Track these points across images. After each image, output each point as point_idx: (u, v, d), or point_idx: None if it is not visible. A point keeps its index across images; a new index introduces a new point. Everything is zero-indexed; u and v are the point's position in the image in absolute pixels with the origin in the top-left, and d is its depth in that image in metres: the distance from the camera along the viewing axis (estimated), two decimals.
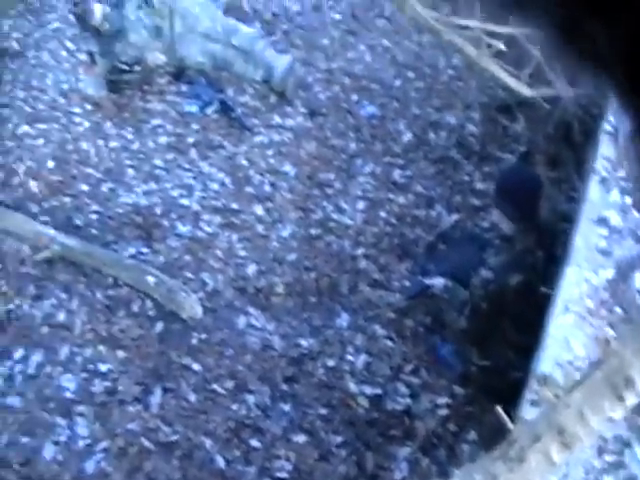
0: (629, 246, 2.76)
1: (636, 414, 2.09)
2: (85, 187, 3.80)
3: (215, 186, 3.76)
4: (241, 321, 3.17)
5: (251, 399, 2.91)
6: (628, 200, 3.04)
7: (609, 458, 2.01)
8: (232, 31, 4.45)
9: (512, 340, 2.83)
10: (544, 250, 2.84)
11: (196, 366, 3.03)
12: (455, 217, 3.50)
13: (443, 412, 2.80)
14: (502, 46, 3.69)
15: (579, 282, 2.53)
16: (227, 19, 4.64)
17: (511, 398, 2.21)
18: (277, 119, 4.11)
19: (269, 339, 3.08)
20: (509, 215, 2.83)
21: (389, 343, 3.03)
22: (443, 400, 2.84)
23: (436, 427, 2.76)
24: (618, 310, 2.49)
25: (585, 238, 2.79)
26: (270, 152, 3.92)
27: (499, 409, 1.61)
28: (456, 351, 2.96)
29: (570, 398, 1.47)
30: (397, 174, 3.73)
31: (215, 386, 2.96)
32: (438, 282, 2.98)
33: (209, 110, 4.21)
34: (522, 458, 1.51)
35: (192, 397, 2.93)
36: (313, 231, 3.48)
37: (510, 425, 1.59)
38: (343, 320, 3.13)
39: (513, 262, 2.84)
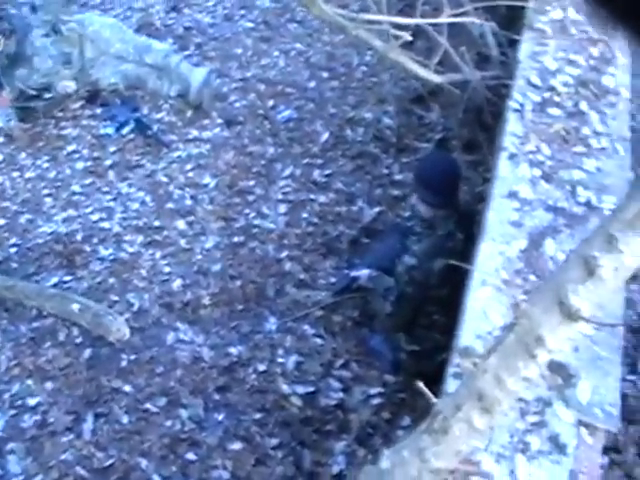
0: (539, 216, 2.90)
1: (555, 373, 2.22)
2: (2, 221, 3.83)
3: (135, 206, 3.83)
4: (170, 337, 3.23)
5: (185, 413, 2.97)
6: (536, 172, 3.20)
7: (531, 419, 2.11)
8: (145, 49, 4.54)
9: (438, 322, 2.94)
10: (464, 231, 2.97)
11: (127, 387, 3.08)
12: (376, 210, 3.62)
13: (376, 401, 2.89)
14: (409, 37, 3.84)
15: (494, 255, 2.66)
16: (139, 37, 4.73)
17: (440, 378, 2.31)
18: (194, 132, 4.20)
19: (199, 351, 3.15)
20: (430, 201, 2.94)
21: (319, 341, 3.12)
22: (375, 390, 2.93)
23: (370, 417, 2.85)
24: (532, 278, 2.62)
25: (498, 213, 2.92)
26: (189, 166, 4.00)
27: (421, 385, 1.63)
28: (385, 340, 3.06)
29: (486, 364, 1.54)
30: (317, 174, 3.84)
31: (148, 405, 3.01)
32: (363, 274, 3.09)
33: (125, 130, 4.28)
34: (446, 429, 1.58)
35: (125, 419, 2.98)
36: (236, 239, 3.57)
37: (434, 399, 1.64)
38: (271, 324, 3.21)
39: (435, 246, 2.96)
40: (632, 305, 3.26)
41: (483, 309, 2.51)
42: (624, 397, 2.91)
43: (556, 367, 2.23)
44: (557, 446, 2.04)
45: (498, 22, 4.21)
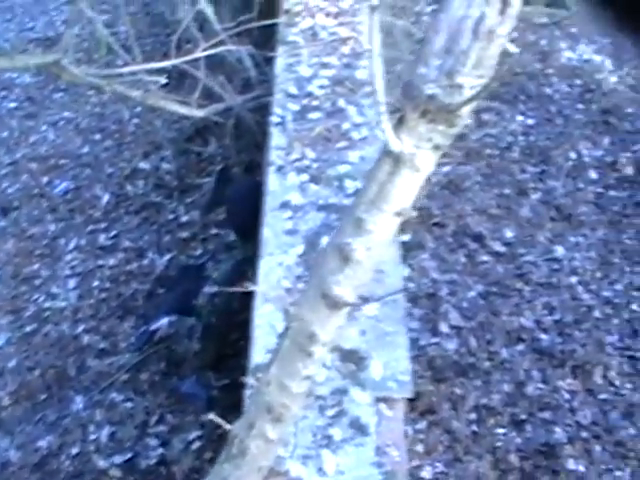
0: (312, 218, 3.10)
1: (347, 361, 2.37)
2: None
3: None
4: None
5: None
6: (304, 177, 3.42)
7: (331, 412, 2.25)
8: None
9: (245, 347, 3.07)
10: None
11: None
12: (168, 257, 3.74)
13: (196, 445, 2.98)
14: (164, 79, 4.02)
15: (273, 268, 2.81)
16: None
17: None
18: None
19: (6, 455, 3.13)
20: (232, 226, 3.08)
21: (129, 405, 3.18)
22: (194, 434, 3.02)
23: (193, 463, 2.92)
24: None
25: (272, 226, 3.10)
26: None
27: (213, 416, 1.63)
28: (197, 381, 3.16)
29: (268, 375, 1.65)
30: (102, 238, 3.93)
31: None
32: (163, 323, 3.18)
33: None
34: (244, 450, 1.63)
35: None
36: (28, 328, 3.58)
37: (227, 426, 1.71)
38: (78, 403, 3.25)
39: (234, 271, 3.10)
40: (425, 273, 3.53)
41: (270, 323, 2.66)
42: (431, 359, 3.16)
43: (347, 355, 2.41)
44: (359, 429, 2.19)
45: (254, 43, 4.48)
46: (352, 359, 2.37)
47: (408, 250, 3.55)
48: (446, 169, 4.16)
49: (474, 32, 1.22)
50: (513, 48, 1.23)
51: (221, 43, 4.09)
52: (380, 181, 1.33)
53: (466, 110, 1.29)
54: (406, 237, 3.76)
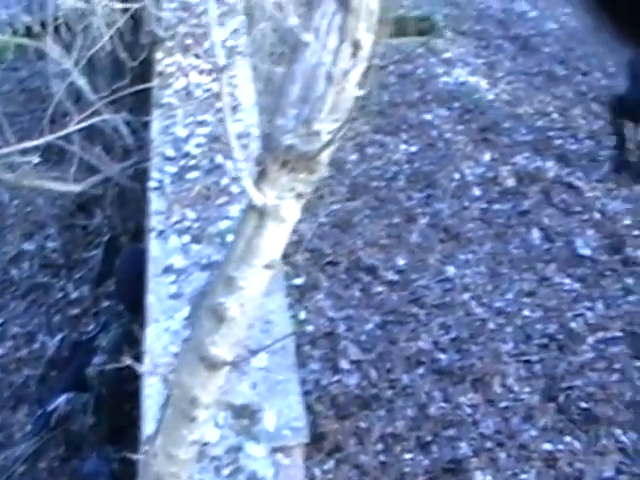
0: (196, 278, 3.20)
1: (240, 417, 2.45)
2: None
3: None
4: None
5: None
6: (186, 239, 3.53)
7: (227, 471, 2.31)
8: None
9: (133, 418, 3.11)
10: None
11: None
12: (59, 337, 3.76)
13: None
14: (36, 159, 4.09)
15: (160, 335, 2.88)
16: None
17: None
18: None
19: None
20: (119, 296, 3.14)
21: None
22: None
23: None
24: None
25: (156, 293, 3.17)
26: None
27: None
28: (98, 458, 3.17)
29: (154, 447, 1.69)
30: None
31: None
32: (59, 402, 3.20)
33: None
34: None
35: None
36: None
37: None
38: None
39: (123, 339, 3.15)
40: (322, 312, 3.65)
41: (159, 392, 2.72)
42: (334, 397, 3.26)
43: (239, 411, 2.49)
44: None
45: (130, 109, 4.61)
46: (245, 414, 2.44)
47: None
48: (335, 207, 4.34)
49: (328, 78, 1.32)
50: (359, 92, 1.33)
51: (97, 113, 4.20)
52: (247, 236, 1.39)
53: (325, 155, 1.39)
54: (299, 280, 3.90)
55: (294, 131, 1.36)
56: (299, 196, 1.39)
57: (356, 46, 1.34)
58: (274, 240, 1.37)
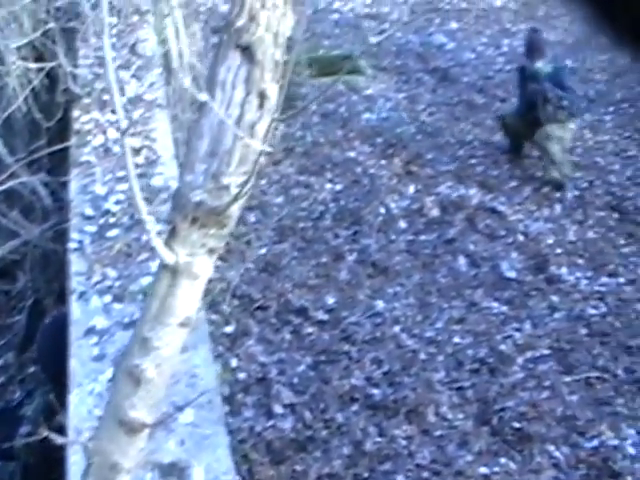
0: (120, 338, 3.22)
1: (169, 476, 2.48)
2: None
3: None
4: None
5: None
6: (107, 298, 3.56)
7: None
8: None
9: None
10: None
11: None
12: None
13: None
14: None
15: (84, 399, 2.90)
16: None
17: None
18: None
19: None
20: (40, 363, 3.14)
21: None
22: None
23: None
24: None
25: (78, 356, 3.19)
26: None
27: None
28: None
29: None
30: None
31: None
32: None
33: None
34: None
35: None
36: None
37: None
38: None
39: (47, 408, 3.15)
40: (253, 359, 3.71)
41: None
42: (269, 443, 3.31)
43: (167, 469, 2.52)
44: None
45: (48, 170, 4.65)
46: (173, 472, 2.46)
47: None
48: (262, 251, 4.42)
49: (235, 131, 1.37)
50: (267, 148, 1.38)
51: (15, 176, 4.23)
52: (161, 296, 1.42)
53: (235, 209, 1.42)
54: (230, 328, 3.95)
55: (203, 187, 1.40)
56: (211, 251, 1.43)
57: (262, 97, 1.40)
58: (188, 297, 1.41)
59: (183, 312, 1.44)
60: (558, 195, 4.62)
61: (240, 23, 1.47)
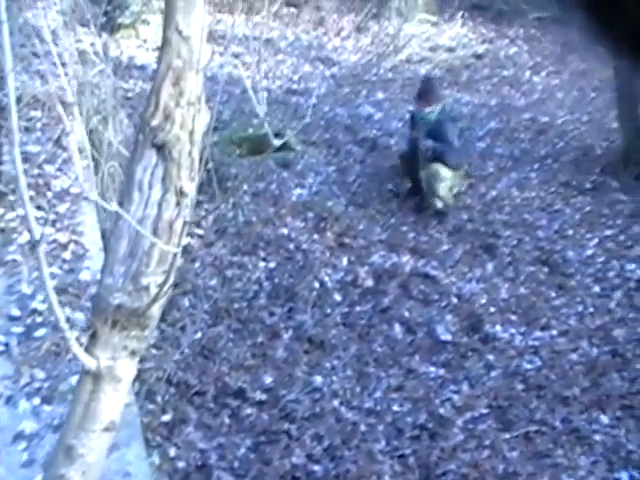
0: (49, 440, 3.27)
1: None
2: None
3: None
4: None
5: None
6: (36, 401, 3.62)
7: None
8: None
9: None
10: None
11: None
12: None
13: None
14: None
15: None
16: None
17: None
18: None
19: None
20: None
21: None
22: None
23: None
24: None
25: (7, 464, 3.23)
26: None
27: None
28: None
29: None
30: None
31: None
32: None
33: None
34: None
35: None
36: None
37: None
38: None
39: None
40: (192, 446, 3.78)
41: None
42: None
43: None
44: None
45: None
46: None
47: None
48: (197, 336, 4.53)
49: (154, 230, 1.46)
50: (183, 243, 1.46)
51: None
52: (84, 402, 1.49)
53: (156, 309, 1.50)
54: (167, 417, 4.02)
55: (123, 289, 1.49)
56: (133, 353, 1.52)
57: (180, 195, 1.52)
58: (112, 401, 1.50)
59: (107, 416, 1.51)
60: (487, 256, 4.87)
61: (155, 122, 1.59)
